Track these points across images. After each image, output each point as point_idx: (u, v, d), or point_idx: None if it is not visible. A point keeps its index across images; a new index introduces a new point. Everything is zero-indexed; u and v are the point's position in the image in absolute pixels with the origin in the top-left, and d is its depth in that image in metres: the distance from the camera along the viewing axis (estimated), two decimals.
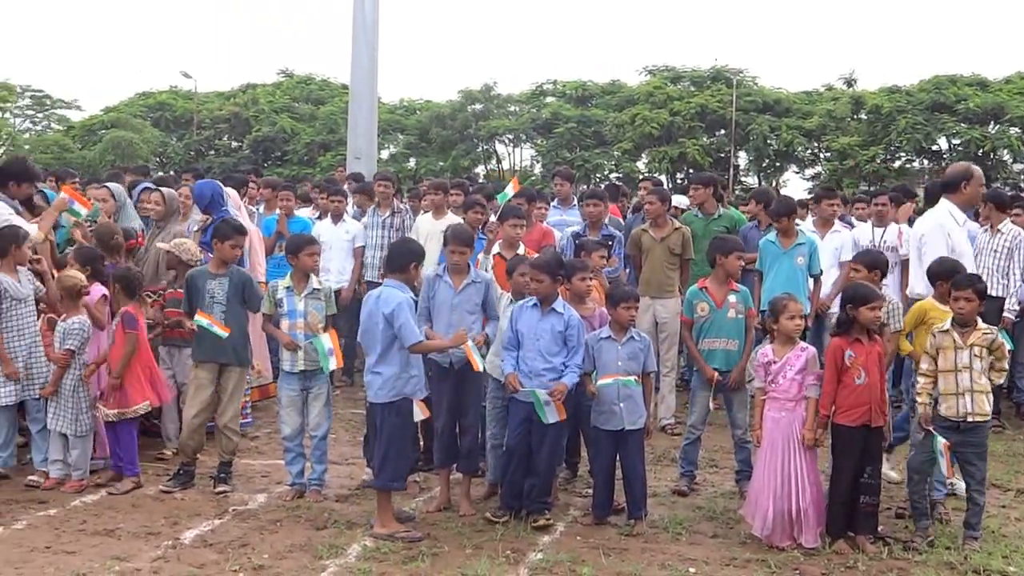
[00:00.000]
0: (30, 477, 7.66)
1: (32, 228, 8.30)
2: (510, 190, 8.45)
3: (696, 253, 9.82)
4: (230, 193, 9.70)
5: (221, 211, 9.02)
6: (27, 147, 49.48)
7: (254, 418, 9.50)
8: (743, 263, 8.08)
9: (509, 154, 55.96)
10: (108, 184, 9.53)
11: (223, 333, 7.51)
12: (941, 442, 6.49)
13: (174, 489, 7.50)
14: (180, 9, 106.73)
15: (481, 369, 7.03)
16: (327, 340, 7.34)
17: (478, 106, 53.27)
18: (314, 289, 7.50)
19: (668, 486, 7.85)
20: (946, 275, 7.11)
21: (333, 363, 7.36)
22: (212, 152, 55.37)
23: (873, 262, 7.57)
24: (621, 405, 6.92)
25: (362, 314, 6.89)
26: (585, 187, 12.92)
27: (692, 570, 6.18)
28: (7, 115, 52.27)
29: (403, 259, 6.88)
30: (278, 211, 11.43)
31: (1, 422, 7.73)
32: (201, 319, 7.53)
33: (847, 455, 6.62)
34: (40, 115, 56.19)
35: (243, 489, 7.63)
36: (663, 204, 9.99)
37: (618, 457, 7.03)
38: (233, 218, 8.56)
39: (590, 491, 7.35)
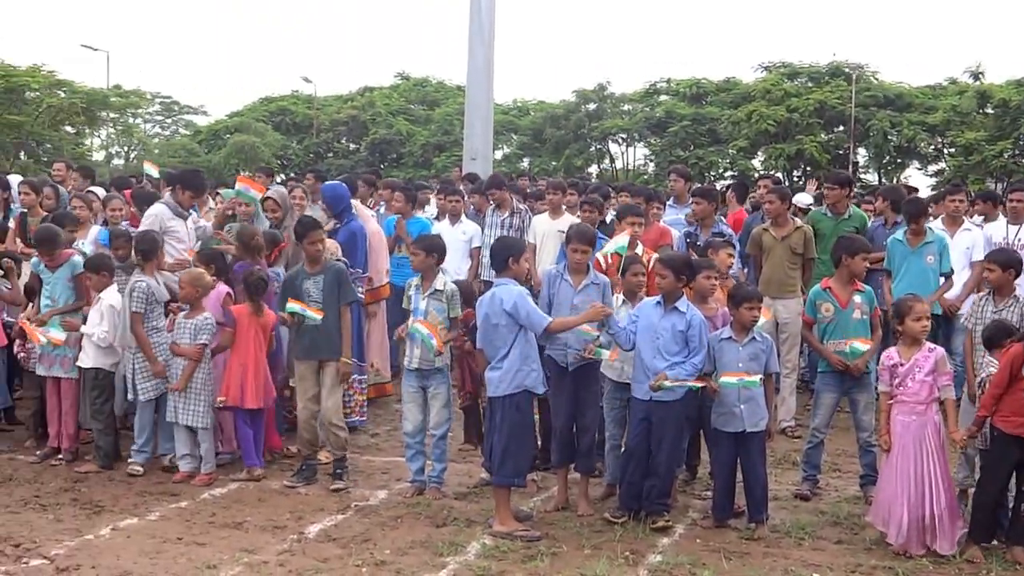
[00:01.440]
0: (168, 459, 8.02)
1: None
2: (624, 240, 8.22)
3: (823, 253, 9.60)
4: None
5: (350, 214, 9.21)
6: (156, 151, 51.07)
7: (371, 415, 9.60)
8: (868, 264, 7.91)
9: (622, 153, 55.76)
10: (271, 193, 9.70)
11: (316, 317, 7.60)
12: None
13: (297, 484, 7.66)
14: (301, 16, 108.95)
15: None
16: (422, 327, 7.37)
17: (592, 106, 53.14)
18: (436, 290, 7.57)
19: (789, 490, 7.72)
20: None
21: (435, 344, 7.33)
22: (331, 154, 56.37)
23: (1007, 261, 7.32)
24: (742, 407, 6.83)
25: (478, 318, 6.94)
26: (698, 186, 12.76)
27: None
28: (138, 120, 54.05)
29: (501, 256, 6.96)
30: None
31: (146, 419, 8.02)
32: (293, 305, 7.67)
33: (999, 461, 6.40)
34: (168, 120, 58.11)
35: (364, 485, 7.75)
36: (783, 203, 9.82)
37: (739, 459, 6.94)
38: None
39: (710, 493, 7.28)
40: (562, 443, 7.32)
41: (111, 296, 8.06)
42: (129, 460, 8.01)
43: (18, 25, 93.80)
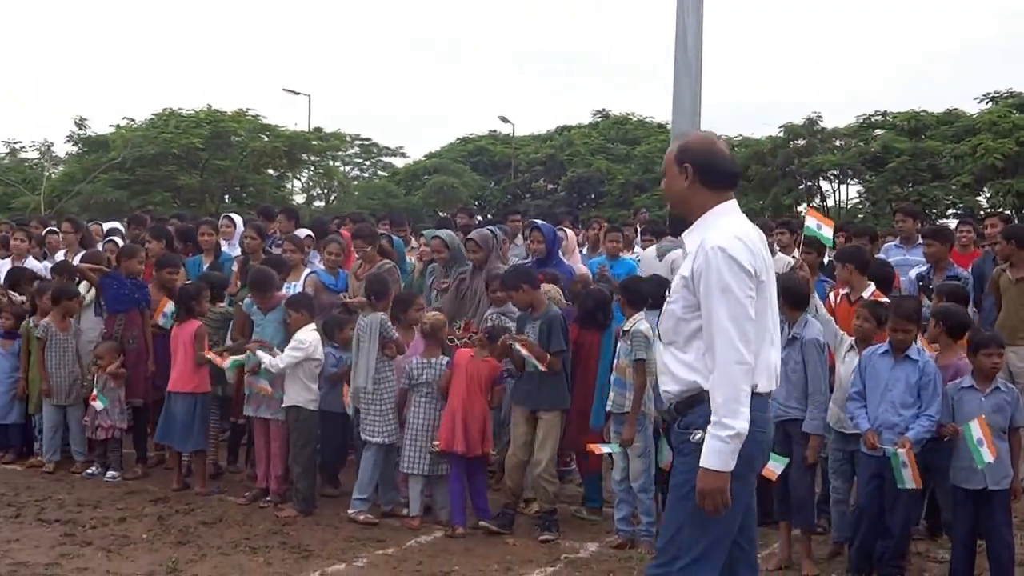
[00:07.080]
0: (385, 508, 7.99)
1: None
2: None
3: None
4: None
5: (557, 256, 9.09)
6: (356, 193, 52.20)
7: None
8: None
9: (834, 191, 53.93)
10: (440, 233, 9.65)
11: (537, 364, 7.37)
12: None
13: (492, 527, 7.49)
14: (499, 57, 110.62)
15: None
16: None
17: (801, 141, 51.63)
18: (624, 331, 7.37)
19: None
20: None
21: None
22: (528, 195, 56.58)
23: None
24: None
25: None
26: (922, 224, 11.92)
27: None
28: (338, 163, 55.23)
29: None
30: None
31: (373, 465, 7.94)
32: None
33: None
34: (367, 163, 59.03)
35: (574, 537, 7.48)
36: (1010, 242, 9.03)
37: (980, 520, 6.34)
38: None
39: (947, 556, 6.71)
40: (781, 495, 6.89)
41: (304, 333, 8.06)
42: (353, 510, 7.83)
43: (225, 71, 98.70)
